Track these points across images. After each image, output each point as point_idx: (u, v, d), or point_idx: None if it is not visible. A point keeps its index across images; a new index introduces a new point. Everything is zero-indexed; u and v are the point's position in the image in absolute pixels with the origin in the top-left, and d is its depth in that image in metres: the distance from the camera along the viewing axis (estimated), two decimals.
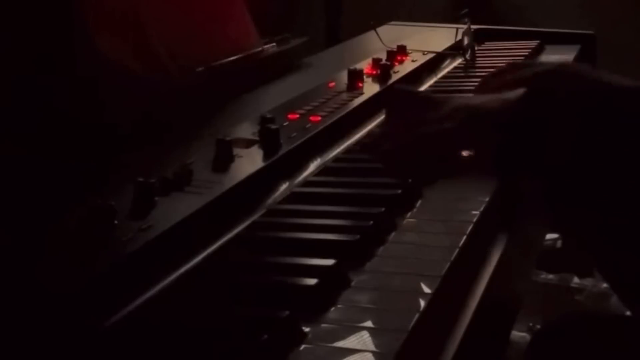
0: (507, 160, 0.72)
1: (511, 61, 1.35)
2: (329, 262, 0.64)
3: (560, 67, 0.79)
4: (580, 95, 0.70)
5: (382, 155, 0.80)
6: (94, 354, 0.54)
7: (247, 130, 0.93)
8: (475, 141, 0.76)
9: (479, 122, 0.74)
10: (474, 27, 1.45)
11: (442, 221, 0.77)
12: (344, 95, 1.11)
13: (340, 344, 0.56)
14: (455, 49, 1.45)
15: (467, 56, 1.42)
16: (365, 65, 1.25)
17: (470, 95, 0.88)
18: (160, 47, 1.03)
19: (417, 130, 0.77)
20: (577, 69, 0.81)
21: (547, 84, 0.73)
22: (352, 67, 1.18)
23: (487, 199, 0.81)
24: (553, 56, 1.52)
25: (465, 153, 0.94)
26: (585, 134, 0.68)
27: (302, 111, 1.02)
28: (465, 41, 1.42)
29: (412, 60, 1.36)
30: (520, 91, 0.72)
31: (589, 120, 0.68)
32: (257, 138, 0.89)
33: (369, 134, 1.01)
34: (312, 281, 0.61)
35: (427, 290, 0.62)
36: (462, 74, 1.38)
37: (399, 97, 0.86)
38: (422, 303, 0.60)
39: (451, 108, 0.77)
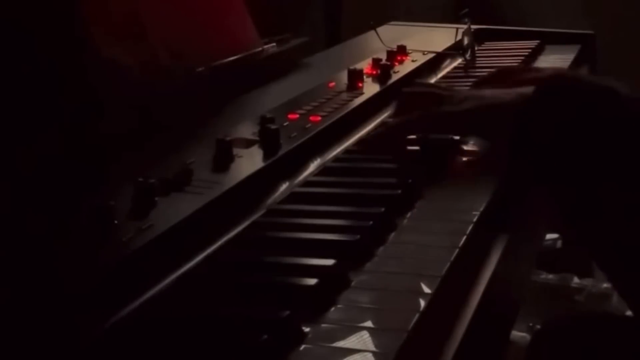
0: (518, 150, 0.74)
1: (509, 63, 1.36)
2: (329, 262, 0.64)
3: (561, 73, 0.85)
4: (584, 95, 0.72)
5: (388, 129, 0.79)
6: (94, 354, 0.54)
7: (247, 130, 0.93)
8: (489, 130, 0.77)
9: (497, 111, 0.76)
10: (474, 27, 1.45)
11: (442, 221, 0.77)
12: (344, 95, 1.11)
13: (340, 344, 0.55)
14: (455, 49, 1.45)
15: (467, 56, 1.42)
16: (365, 65, 1.25)
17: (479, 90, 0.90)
18: (160, 47, 1.03)
19: (429, 109, 0.78)
20: (575, 75, 0.86)
21: (555, 85, 0.76)
22: (352, 67, 1.18)
23: (487, 199, 0.80)
24: (552, 56, 1.52)
25: (466, 158, 0.95)
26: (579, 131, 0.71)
27: (302, 111, 1.02)
28: (465, 41, 1.42)
29: (412, 60, 1.36)
30: (531, 88, 0.75)
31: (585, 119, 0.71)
32: (257, 138, 0.89)
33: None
34: (312, 281, 0.61)
35: (427, 290, 0.62)
36: (462, 74, 1.38)
37: (413, 89, 0.87)
38: (422, 303, 0.60)
39: (466, 95, 0.79)
